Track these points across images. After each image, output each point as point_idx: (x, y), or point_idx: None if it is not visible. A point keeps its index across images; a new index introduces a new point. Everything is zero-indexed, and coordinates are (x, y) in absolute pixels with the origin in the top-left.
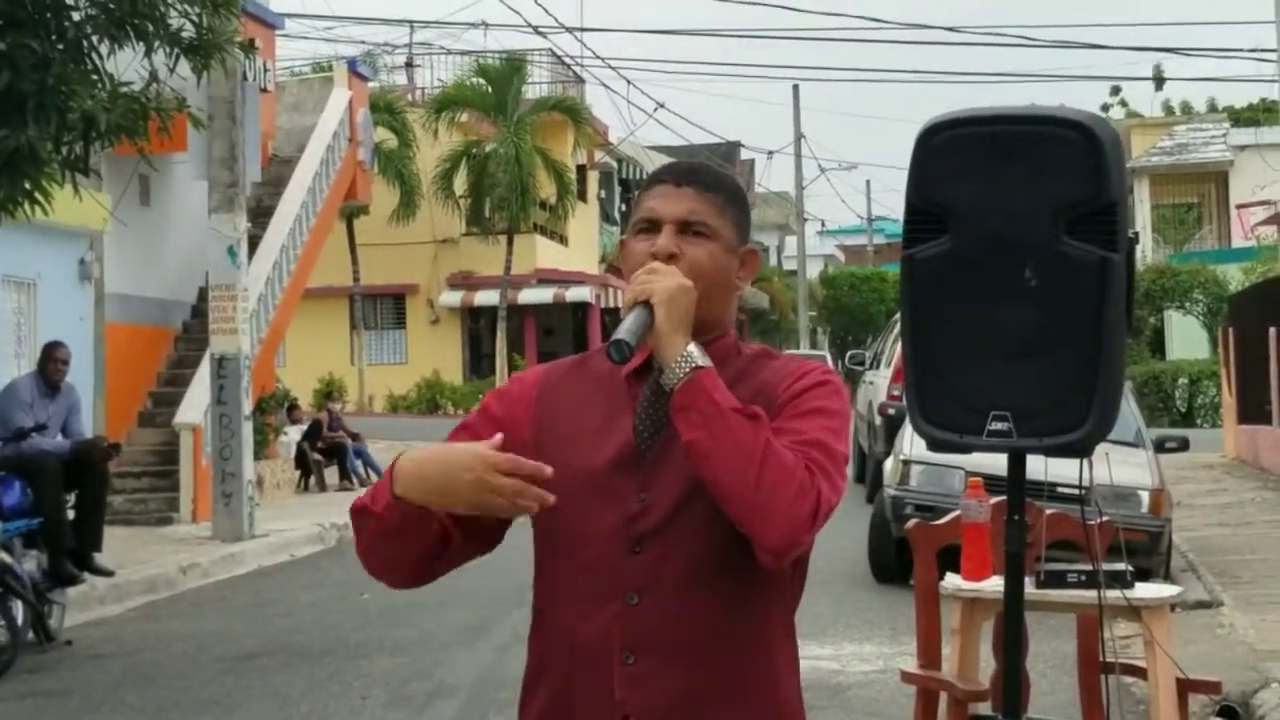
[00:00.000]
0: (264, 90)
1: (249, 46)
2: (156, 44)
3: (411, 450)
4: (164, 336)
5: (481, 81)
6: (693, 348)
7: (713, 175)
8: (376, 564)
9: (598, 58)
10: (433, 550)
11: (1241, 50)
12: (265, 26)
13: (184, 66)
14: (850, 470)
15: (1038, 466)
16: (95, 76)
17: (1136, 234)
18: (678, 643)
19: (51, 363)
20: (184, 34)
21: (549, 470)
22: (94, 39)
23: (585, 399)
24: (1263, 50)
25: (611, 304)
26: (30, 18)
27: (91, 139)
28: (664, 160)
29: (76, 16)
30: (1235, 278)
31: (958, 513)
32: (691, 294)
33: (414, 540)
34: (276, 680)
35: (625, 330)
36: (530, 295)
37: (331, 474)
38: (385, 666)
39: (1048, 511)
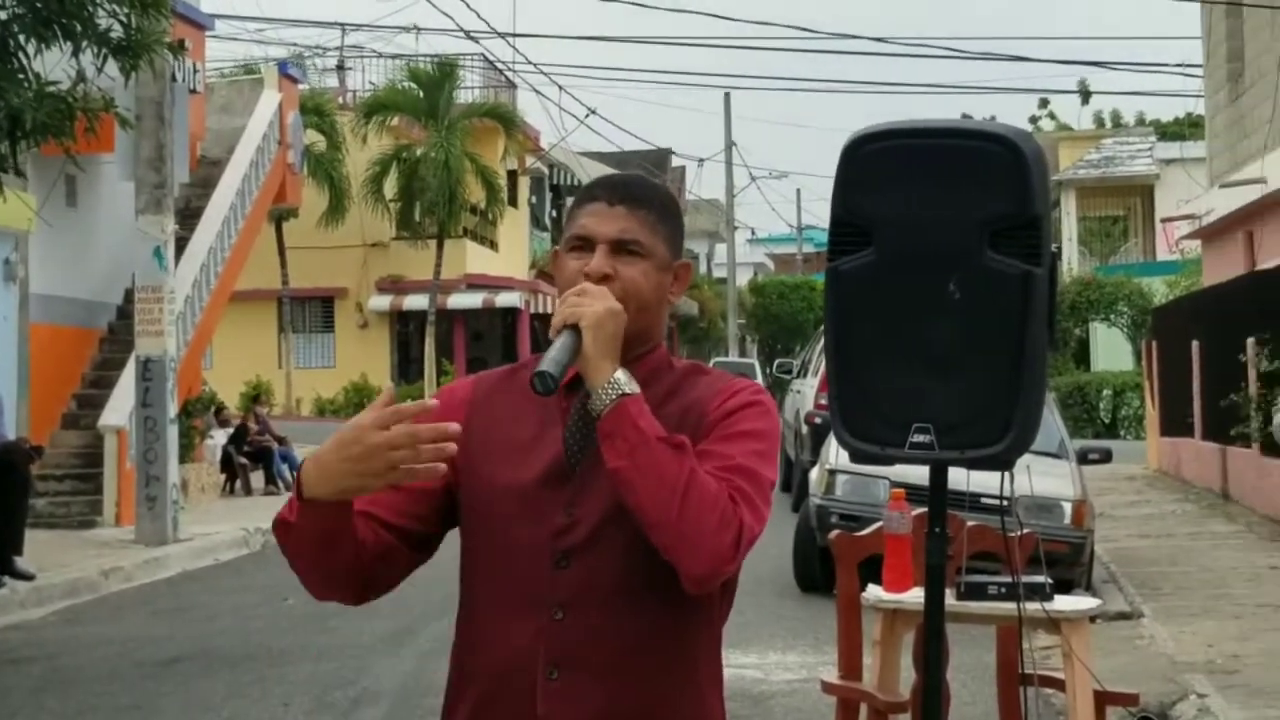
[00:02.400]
0: (193, 91)
1: (178, 47)
2: (84, 44)
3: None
4: (89, 338)
5: (413, 85)
6: (620, 374)
7: (646, 191)
8: (314, 581)
9: (530, 63)
10: (366, 559)
11: (1168, 65)
12: (195, 27)
13: (112, 67)
14: (778, 481)
15: (960, 478)
16: (21, 75)
17: (1059, 249)
18: (601, 659)
19: None
20: (112, 34)
21: (455, 427)
22: (20, 38)
23: (516, 412)
24: (1189, 65)
25: (541, 309)
26: None
27: (17, 138)
28: (596, 166)
29: (2, 15)
30: (1160, 291)
31: (880, 524)
32: (620, 318)
33: (340, 546)
34: (198, 686)
35: (550, 360)
36: (459, 300)
37: (257, 478)
38: (308, 673)
39: (969, 523)
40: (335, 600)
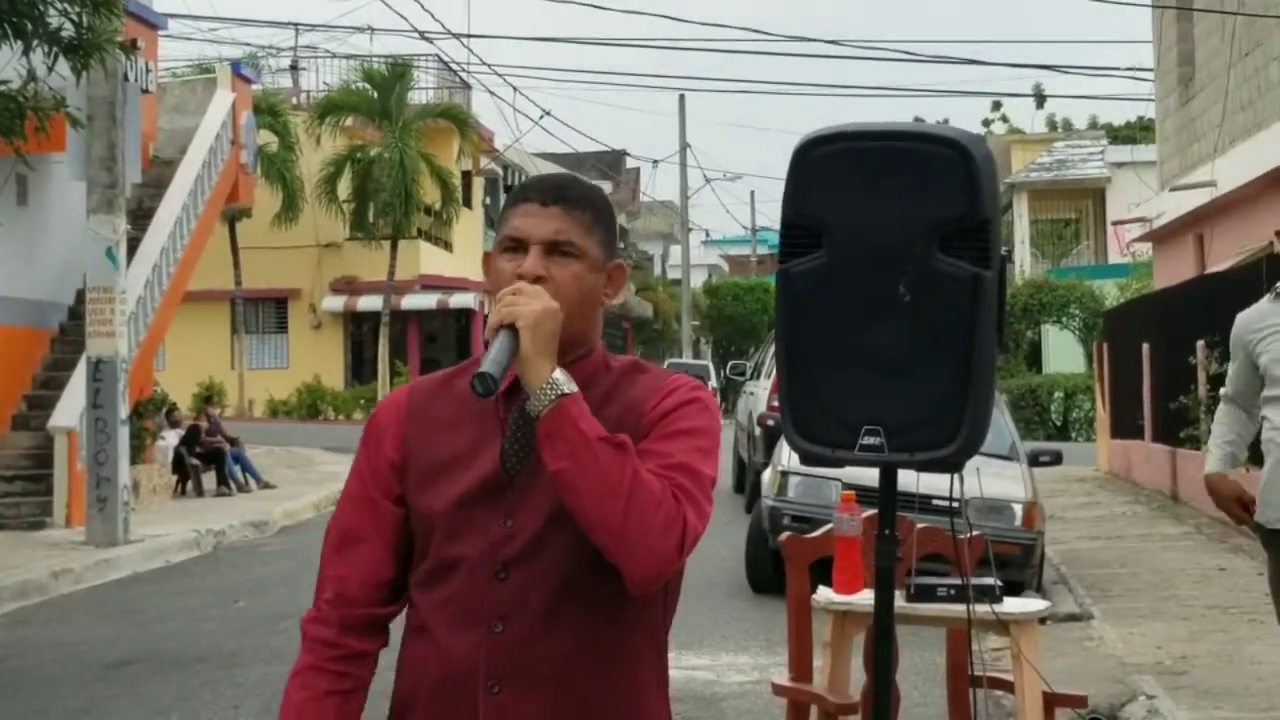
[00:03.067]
0: (145, 91)
1: (130, 47)
2: (35, 42)
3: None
4: (40, 338)
5: (366, 86)
6: (559, 374)
7: (579, 191)
8: None
9: (484, 64)
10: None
11: (1119, 69)
12: (148, 27)
13: (63, 66)
14: (729, 480)
15: (910, 479)
16: None
17: (1010, 250)
18: (542, 670)
19: None
20: (64, 33)
21: None
22: None
23: (452, 422)
24: (1139, 69)
25: None
26: None
27: None
28: (550, 167)
29: None
30: (1111, 293)
31: (831, 526)
32: (557, 317)
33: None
34: (148, 689)
35: (489, 361)
36: (414, 301)
37: (209, 479)
38: (259, 675)
39: (919, 525)
40: None
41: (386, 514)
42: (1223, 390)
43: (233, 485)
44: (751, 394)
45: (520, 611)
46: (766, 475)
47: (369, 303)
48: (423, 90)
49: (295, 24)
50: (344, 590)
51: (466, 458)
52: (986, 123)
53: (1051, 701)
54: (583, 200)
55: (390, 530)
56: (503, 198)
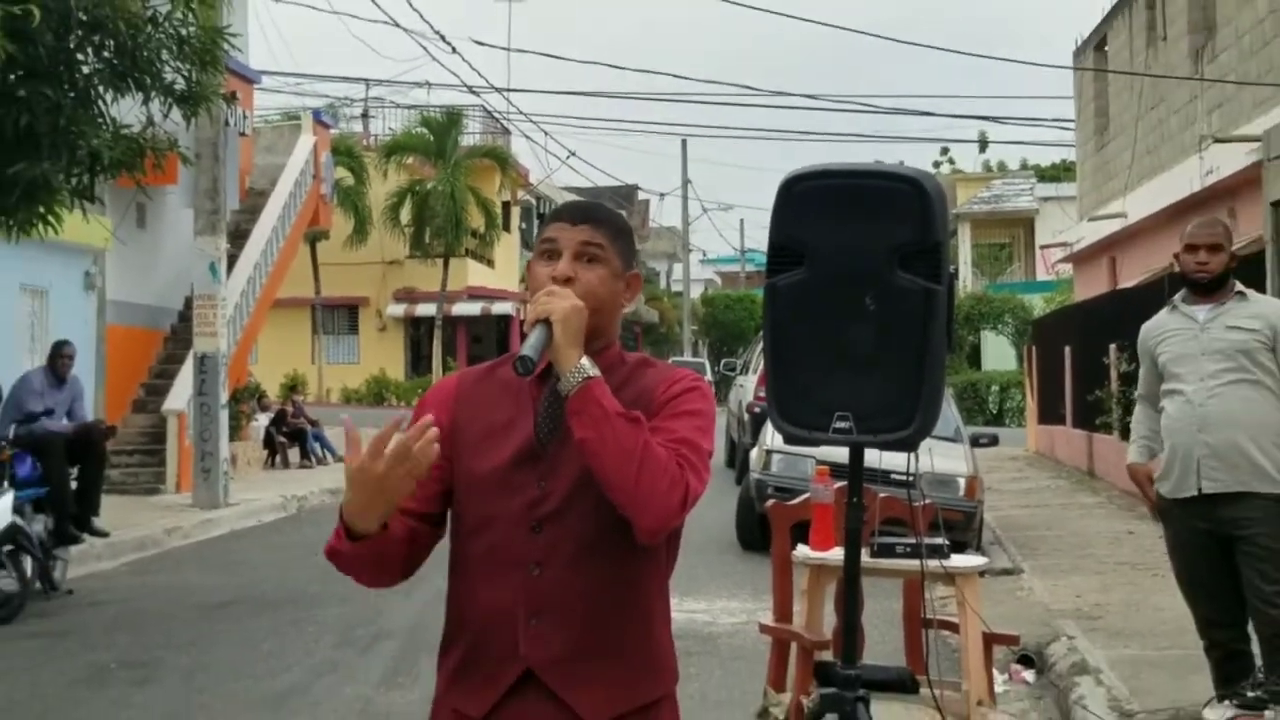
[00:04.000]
0: (242, 134)
1: (231, 98)
2: (153, 94)
3: (341, 499)
4: (155, 337)
5: (425, 131)
6: (585, 360)
7: (603, 212)
8: (365, 580)
9: (521, 113)
10: (404, 550)
11: (1046, 120)
12: (245, 81)
13: (176, 113)
14: (722, 458)
15: (874, 457)
16: (101, 120)
17: (956, 269)
18: (571, 606)
19: (59, 358)
20: (176, 86)
21: (430, 418)
22: (100, 88)
23: (493, 402)
24: (1064, 120)
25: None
26: (46, 69)
27: (96, 172)
28: (575, 199)
29: (86, 69)
30: (1038, 305)
31: (808, 494)
32: (583, 314)
33: (389, 555)
34: (244, 625)
35: (529, 347)
36: (462, 308)
37: (294, 454)
38: (335, 614)
39: (881, 495)
40: (383, 586)
41: (434, 472)
42: (1137, 392)
43: (313, 459)
44: (741, 386)
45: (553, 558)
46: (754, 453)
47: (425, 309)
48: (470, 134)
49: (366, 79)
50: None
51: (506, 430)
52: (936, 164)
53: (989, 640)
54: (606, 220)
55: (433, 483)
56: (536, 224)
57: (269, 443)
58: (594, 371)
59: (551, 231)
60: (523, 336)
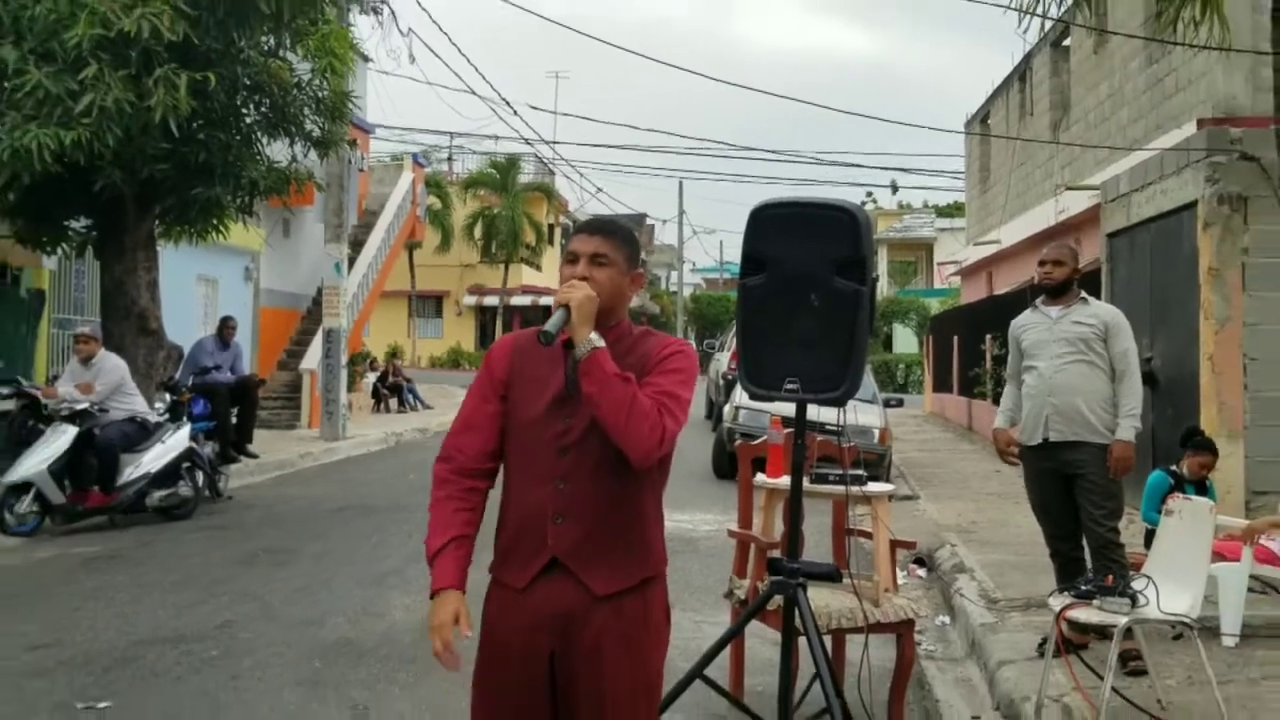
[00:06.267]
0: (361, 170)
1: (352, 143)
2: (296, 139)
3: (435, 602)
4: (294, 316)
5: (493, 171)
6: (594, 335)
7: (611, 226)
8: None
9: (563, 159)
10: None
11: (945, 171)
12: (363, 131)
13: (313, 154)
14: (703, 412)
15: (814, 412)
16: (258, 157)
17: (877, 277)
18: (585, 510)
19: (225, 329)
20: (314, 134)
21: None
22: (258, 134)
23: (538, 358)
24: (957, 171)
25: None
26: (219, 119)
27: (254, 195)
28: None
29: (248, 120)
30: (935, 306)
31: (766, 438)
32: (595, 301)
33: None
34: (355, 524)
35: (551, 324)
36: (517, 300)
37: (393, 403)
38: (422, 518)
39: (819, 439)
40: None
41: (493, 410)
42: (1006, 374)
43: (407, 407)
44: (718, 359)
45: (574, 475)
46: (726, 409)
47: (490, 300)
48: (526, 174)
49: (451, 132)
50: (458, 454)
51: (545, 379)
52: (862, 202)
53: (894, 546)
54: (613, 232)
55: (493, 420)
56: None
57: (375, 394)
58: (600, 343)
59: (574, 243)
60: (549, 313)
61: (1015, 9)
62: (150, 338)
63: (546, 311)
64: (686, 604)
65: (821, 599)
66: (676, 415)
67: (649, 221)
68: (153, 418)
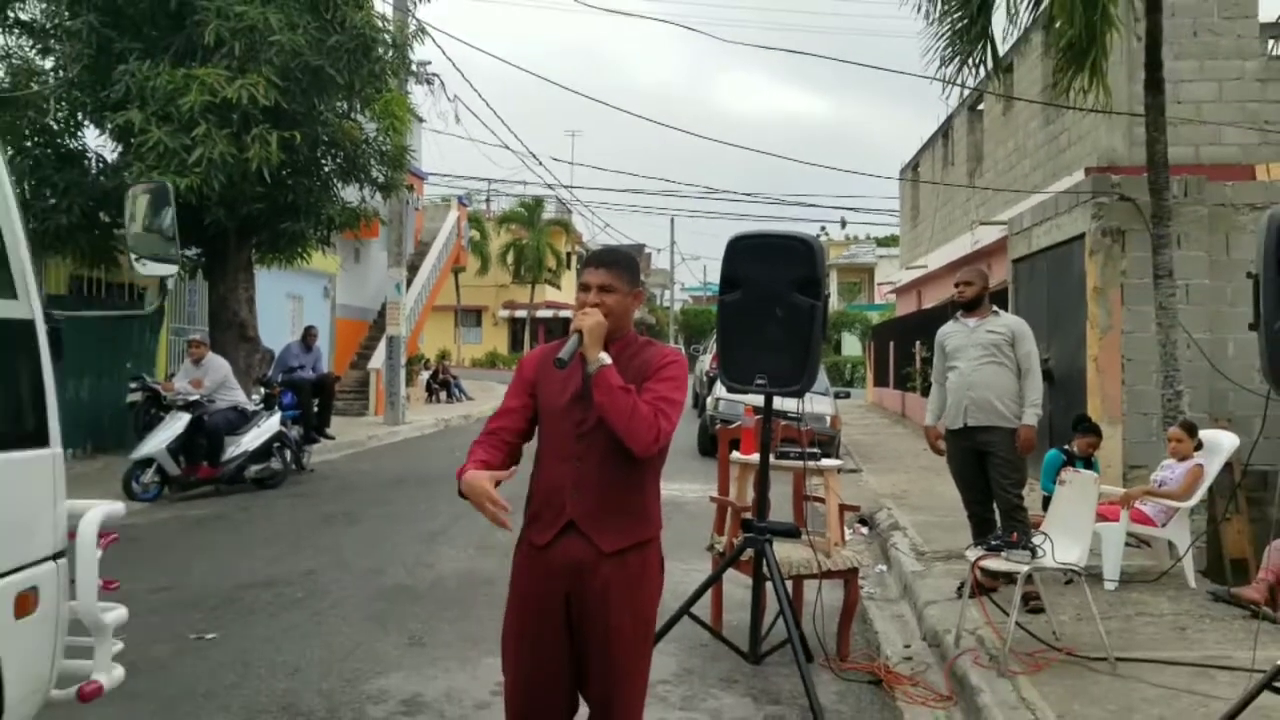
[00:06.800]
0: (416, 209)
1: (410, 188)
2: (365, 184)
3: (465, 478)
4: (363, 326)
5: (522, 209)
6: (603, 355)
7: (615, 256)
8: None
9: (579, 200)
10: (513, 460)
11: (884, 210)
12: (418, 178)
13: (379, 196)
14: (690, 401)
15: (779, 402)
16: (334, 199)
17: (829, 295)
18: (598, 484)
19: (308, 336)
20: (379, 180)
21: (505, 513)
22: (334, 180)
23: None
24: (894, 210)
25: None
26: (303, 168)
27: (331, 229)
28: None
29: (326, 169)
30: (875, 318)
31: (740, 423)
32: (604, 327)
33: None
34: (413, 492)
35: (565, 351)
36: (542, 313)
37: (443, 395)
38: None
39: (782, 423)
40: None
41: (524, 403)
42: (933, 377)
43: (454, 398)
44: (702, 360)
45: (588, 456)
46: (709, 400)
47: (520, 314)
48: (549, 212)
49: (488, 179)
50: (498, 431)
51: (566, 380)
52: (817, 235)
53: (842, 509)
54: (617, 260)
55: (523, 410)
56: None
57: (428, 388)
58: (607, 361)
59: (586, 275)
60: (566, 337)
61: (940, 80)
62: (248, 343)
63: (566, 323)
64: (676, 555)
65: (784, 551)
66: (670, 417)
67: (647, 250)
68: (250, 407)
